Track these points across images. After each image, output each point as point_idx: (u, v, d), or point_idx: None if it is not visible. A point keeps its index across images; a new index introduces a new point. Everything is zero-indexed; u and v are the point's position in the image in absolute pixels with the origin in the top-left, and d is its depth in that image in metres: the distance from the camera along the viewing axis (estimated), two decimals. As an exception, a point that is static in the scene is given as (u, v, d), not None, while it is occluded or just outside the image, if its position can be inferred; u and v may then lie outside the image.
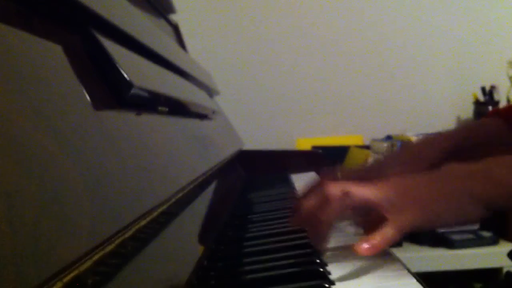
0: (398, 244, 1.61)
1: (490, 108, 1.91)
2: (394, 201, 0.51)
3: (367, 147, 1.90)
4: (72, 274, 0.25)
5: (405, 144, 0.82)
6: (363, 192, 0.52)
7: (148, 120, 0.50)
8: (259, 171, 1.23)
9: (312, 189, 0.58)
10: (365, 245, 0.48)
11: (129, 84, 0.43)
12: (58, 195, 0.26)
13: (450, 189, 0.52)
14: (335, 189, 0.52)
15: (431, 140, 0.74)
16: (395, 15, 2.00)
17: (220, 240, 0.60)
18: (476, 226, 1.62)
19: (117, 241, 0.31)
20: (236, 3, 1.97)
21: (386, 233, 0.49)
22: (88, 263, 0.27)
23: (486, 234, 1.58)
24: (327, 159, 1.32)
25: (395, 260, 0.51)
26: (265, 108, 1.98)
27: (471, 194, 0.51)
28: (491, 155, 0.74)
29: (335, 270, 0.47)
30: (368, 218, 0.58)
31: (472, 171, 0.53)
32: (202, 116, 0.86)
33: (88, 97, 0.37)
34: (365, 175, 0.73)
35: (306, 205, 0.54)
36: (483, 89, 1.93)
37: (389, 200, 0.51)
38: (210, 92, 1.13)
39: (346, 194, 0.51)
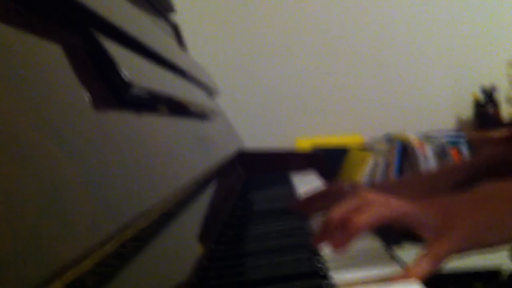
0: (398, 244, 1.61)
1: (490, 108, 1.91)
2: (436, 223, 0.48)
3: (367, 147, 1.90)
4: (72, 274, 0.25)
5: (417, 173, 0.80)
6: (406, 206, 0.48)
7: (148, 120, 0.50)
8: (259, 171, 1.23)
9: (342, 195, 0.54)
10: (402, 280, 0.43)
11: (129, 84, 0.43)
12: (58, 195, 0.26)
13: (492, 212, 0.49)
14: (376, 195, 0.49)
15: (445, 171, 0.72)
16: (395, 15, 2.00)
17: (220, 240, 0.60)
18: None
19: (117, 241, 0.31)
20: (236, 3, 1.97)
21: (425, 268, 0.45)
22: (88, 263, 0.27)
23: (486, 234, 1.58)
24: (327, 159, 1.32)
25: (395, 260, 0.51)
26: (265, 108, 1.98)
27: None
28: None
29: (335, 270, 0.47)
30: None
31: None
32: (202, 116, 0.86)
33: (88, 97, 0.37)
34: (377, 186, 0.72)
35: (340, 209, 0.49)
36: (483, 89, 1.93)
37: (430, 221, 0.48)
38: (210, 92, 1.13)
39: (388, 203, 0.48)
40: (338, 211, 0.49)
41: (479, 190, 0.52)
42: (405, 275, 0.44)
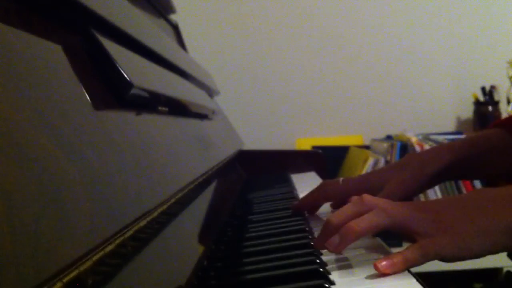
0: (398, 244, 1.61)
1: (490, 108, 1.91)
2: (427, 225, 0.49)
3: (367, 147, 1.90)
4: (72, 274, 0.25)
5: (409, 153, 0.79)
6: (404, 213, 0.49)
7: (148, 120, 0.50)
8: (259, 171, 1.23)
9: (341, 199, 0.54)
10: (384, 263, 0.45)
11: (129, 84, 0.43)
12: (58, 195, 0.26)
13: (486, 220, 0.48)
14: (377, 201, 0.50)
15: (435, 151, 0.73)
16: (395, 16, 2.01)
17: (220, 240, 0.60)
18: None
19: (117, 241, 0.31)
20: (236, 3, 1.97)
21: (409, 254, 0.47)
22: (88, 263, 0.27)
23: (486, 234, 1.58)
24: (327, 159, 1.32)
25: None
26: (265, 108, 1.98)
27: (508, 224, 0.48)
28: (495, 166, 0.72)
29: (335, 270, 0.47)
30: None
31: (508, 197, 0.50)
32: (202, 116, 0.86)
33: (88, 97, 0.37)
34: (365, 183, 0.72)
35: (341, 214, 0.51)
36: (483, 89, 1.93)
37: (422, 223, 0.49)
38: (210, 92, 1.13)
39: (386, 210, 0.49)
40: (338, 216, 0.51)
41: (476, 194, 0.52)
42: (387, 259, 0.46)
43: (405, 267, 0.46)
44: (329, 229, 0.50)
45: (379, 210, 0.50)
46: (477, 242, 0.48)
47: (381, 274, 0.45)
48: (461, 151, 0.71)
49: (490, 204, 0.50)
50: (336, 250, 0.49)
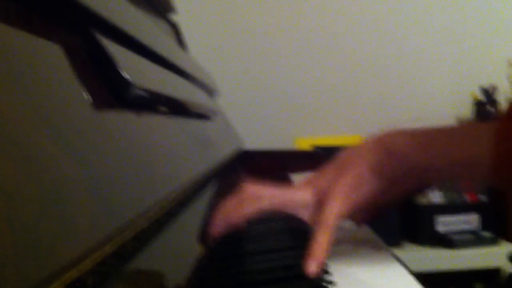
0: (397, 244, 1.61)
1: (489, 108, 1.91)
2: (312, 205, 0.52)
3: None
4: (72, 274, 0.25)
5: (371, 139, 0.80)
6: (278, 195, 0.53)
7: (148, 120, 0.50)
8: (259, 171, 1.23)
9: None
10: (311, 266, 0.45)
11: (129, 84, 0.43)
12: (58, 195, 0.26)
13: (364, 169, 0.52)
14: (254, 189, 0.55)
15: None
16: (395, 15, 2.01)
17: (220, 240, 0.60)
18: (476, 226, 1.62)
19: (117, 241, 0.31)
20: (236, 3, 1.97)
21: (318, 239, 0.48)
22: (88, 263, 0.27)
23: (486, 234, 1.58)
24: (327, 159, 1.32)
25: (394, 260, 0.51)
26: (265, 108, 1.98)
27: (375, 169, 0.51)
28: None
29: (334, 270, 0.47)
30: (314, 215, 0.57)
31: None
32: (202, 116, 0.86)
33: (88, 97, 0.37)
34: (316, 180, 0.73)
35: (224, 206, 0.55)
36: (482, 89, 1.93)
37: (307, 205, 0.52)
38: (210, 92, 1.13)
39: (261, 196, 0.53)
40: (224, 205, 0.55)
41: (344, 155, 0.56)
42: (309, 260, 0.46)
43: (326, 251, 0.47)
44: (217, 216, 0.54)
45: (256, 197, 0.54)
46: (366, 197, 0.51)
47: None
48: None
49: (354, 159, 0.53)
50: (217, 233, 0.53)
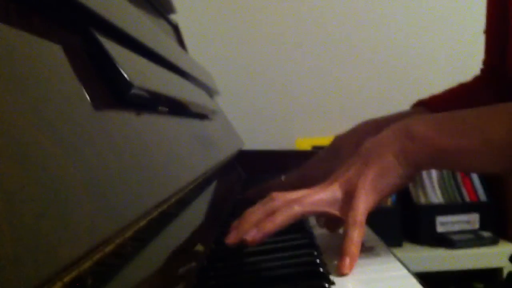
0: (398, 244, 1.61)
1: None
2: (342, 199, 0.52)
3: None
4: (72, 274, 0.25)
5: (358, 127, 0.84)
6: (313, 197, 0.52)
7: (148, 120, 0.50)
8: (259, 171, 1.23)
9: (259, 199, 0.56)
10: (345, 265, 0.47)
11: (129, 84, 0.43)
12: (58, 195, 0.26)
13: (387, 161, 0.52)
14: (286, 196, 0.52)
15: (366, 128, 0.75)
16: (395, 15, 2.01)
17: (220, 240, 0.60)
18: (476, 226, 1.62)
19: (117, 241, 0.31)
20: (236, 3, 1.97)
21: (351, 236, 0.49)
22: (88, 263, 0.27)
23: (486, 234, 1.58)
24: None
25: (395, 260, 0.51)
26: (265, 108, 1.98)
27: (402, 157, 0.51)
28: None
29: (335, 270, 0.47)
30: (329, 218, 0.58)
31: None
32: (202, 116, 0.86)
33: (88, 97, 0.37)
34: (309, 174, 0.73)
35: (256, 211, 0.52)
36: (483, 89, 1.93)
37: (336, 200, 0.52)
38: (210, 92, 1.13)
39: (295, 201, 0.51)
40: (254, 213, 0.52)
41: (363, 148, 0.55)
42: (343, 259, 0.47)
43: (359, 248, 0.48)
44: (245, 225, 0.51)
45: (290, 202, 0.51)
46: (390, 186, 0.51)
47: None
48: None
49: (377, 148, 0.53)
50: (252, 243, 0.49)
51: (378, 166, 0.51)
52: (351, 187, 0.51)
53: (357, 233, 0.49)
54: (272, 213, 0.50)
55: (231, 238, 0.51)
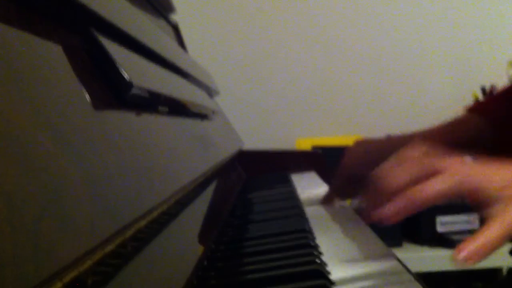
0: (398, 244, 1.61)
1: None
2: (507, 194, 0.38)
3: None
4: (72, 274, 0.25)
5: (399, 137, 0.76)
6: (485, 176, 0.39)
7: (148, 120, 0.50)
8: (259, 171, 1.23)
9: (405, 158, 0.42)
10: (464, 253, 0.37)
11: (129, 84, 0.43)
12: (58, 195, 0.26)
13: None
14: (454, 161, 0.39)
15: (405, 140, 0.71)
16: (395, 15, 2.01)
17: (220, 240, 0.60)
18: (476, 226, 1.62)
19: (117, 241, 0.31)
20: (236, 3, 1.97)
21: (491, 233, 0.38)
22: (88, 263, 0.27)
23: (486, 234, 1.58)
24: (327, 159, 1.32)
25: (394, 260, 0.51)
26: (265, 108, 1.98)
27: None
28: (470, 152, 0.68)
29: (335, 270, 0.47)
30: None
31: None
32: (202, 116, 0.86)
33: (88, 97, 0.37)
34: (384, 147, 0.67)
35: (400, 174, 0.39)
36: (483, 89, 1.93)
37: (502, 194, 0.39)
38: (210, 92, 1.13)
39: (464, 171, 0.38)
40: (395, 178, 0.39)
41: None
42: (467, 246, 0.38)
43: (492, 250, 0.39)
44: (384, 195, 0.39)
45: (451, 172, 0.38)
46: None
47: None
48: (442, 137, 0.69)
49: None
50: (394, 220, 0.39)
51: None
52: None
53: (500, 236, 0.39)
54: (426, 176, 0.38)
55: (367, 215, 0.41)
